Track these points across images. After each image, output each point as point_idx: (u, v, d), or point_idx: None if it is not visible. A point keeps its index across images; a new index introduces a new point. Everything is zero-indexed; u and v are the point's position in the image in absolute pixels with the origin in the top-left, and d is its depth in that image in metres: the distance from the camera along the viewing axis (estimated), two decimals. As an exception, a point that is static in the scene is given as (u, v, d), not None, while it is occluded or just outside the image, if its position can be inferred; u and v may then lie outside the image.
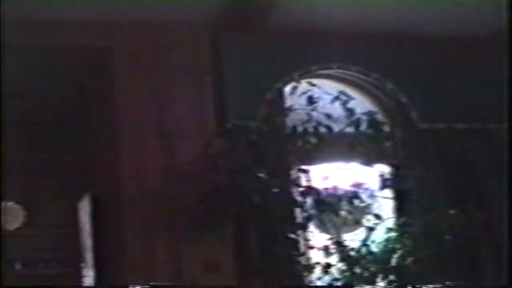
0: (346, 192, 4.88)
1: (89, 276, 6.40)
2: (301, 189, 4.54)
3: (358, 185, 5.11)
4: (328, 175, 4.75)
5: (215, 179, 4.36)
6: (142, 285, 4.44)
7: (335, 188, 4.86)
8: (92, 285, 6.14)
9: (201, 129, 4.93)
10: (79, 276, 6.78)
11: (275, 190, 4.42)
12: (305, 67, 5.39)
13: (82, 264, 6.69)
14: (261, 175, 4.35)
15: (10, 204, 7.34)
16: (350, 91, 5.28)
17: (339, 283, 4.71)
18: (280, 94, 5.12)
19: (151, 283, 4.22)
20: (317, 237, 4.81)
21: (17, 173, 7.27)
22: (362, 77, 5.63)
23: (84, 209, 6.44)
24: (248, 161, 4.47)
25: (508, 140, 3.92)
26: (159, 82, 5.03)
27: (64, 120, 7.19)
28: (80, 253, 6.74)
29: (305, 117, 4.61)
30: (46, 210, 7.47)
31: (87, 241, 6.45)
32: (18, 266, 7.24)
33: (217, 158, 4.51)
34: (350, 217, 4.89)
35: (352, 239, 4.90)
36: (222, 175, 4.39)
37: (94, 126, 5.92)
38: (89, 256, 6.36)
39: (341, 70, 5.60)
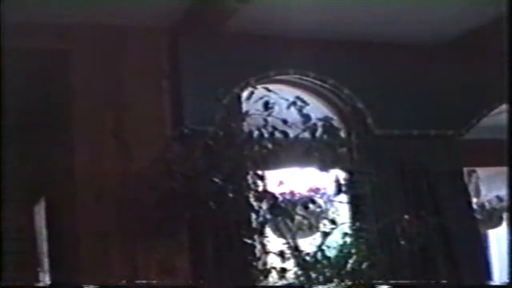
0: (302, 197, 4.90)
1: (44, 281, 6.35)
2: (256, 194, 4.54)
3: (314, 190, 5.14)
4: (283, 180, 4.76)
5: (171, 184, 4.35)
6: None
7: (291, 193, 4.88)
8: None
9: (158, 134, 4.92)
10: (36, 281, 6.72)
11: (231, 195, 4.41)
12: (262, 72, 5.40)
13: (38, 269, 6.63)
14: (217, 180, 4.35)
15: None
16: (306, 96, 5.29)
17: (294, 288, 4.74)
18: (237, 99, 5.13)
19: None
20: (273, 242, 4.82)
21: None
22: (319, 82, 5.66)
23: (40, 213, 6.39)
24: (204, 166, 4.47)
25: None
26: (117, 86, 5.00)
27: (20, 124, 7.12)
28: (37, 258, 6.68)
29: (261, 123, 4.61)
30: (2, 214, 7.38)
31: (43, 246, 6.40)
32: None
33: (173, 163, 4.50)
34: (305, 222, 4.92)
35: (310, 243, 4.93)
36: (178, 180, 4.37)
37: (50, 130, 5.87)
38: (45, 261, 6.32)
39: (297, 76, 5.63)
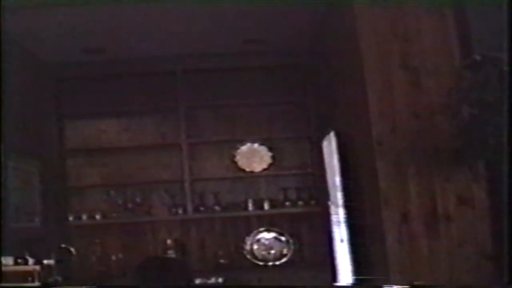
0: None
1: (337, 214, 6.53)
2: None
3: None
4: None
5: (471, 111, 4.26)
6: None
7: None
8: (342, 222, 6.24)
9: (447, 63, 4.83)
10: (327, 215, 6.94)
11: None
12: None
13: (329, 203, 6.83)
14: (518, 106, 4.19)
15: (256, 145, 7.66)
16: None
17: None
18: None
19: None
20: None
21: (260, 116, 7.60)
22: None
23: (328, 147, 6.56)
24: (501, 92, 4.32)
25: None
26: (401, 17, 4.97)
27: (306, 61, 7.39)
28: (326, 191, 6.89)
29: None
30: (291, 150, 7.73)
31: (332, 179, 6.57)
32: (266, 206, 7.55)
33: (468, 91, 4.40)
34: None
35: None
36: (476, 108, 4.27)
37: (337, 66, 5.99)
38: (336, 194, 6.49)
39: None
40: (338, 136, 6.01)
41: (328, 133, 6.46)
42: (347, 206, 5.96)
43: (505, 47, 3.80)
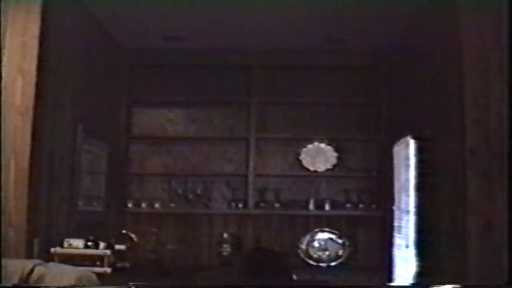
0: None
1: (400, 219, 6.49)
2: None
3: None
4: None
5: None
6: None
7: None
8: (407, 228, 6.19)
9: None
10: (389, 220, 6.90)
11: None
12: None
13: (394, 208, 6.78)
14: None
15: (323, 145, 7.65)
16: None
17: None
18: None
19: None
20: None
21: (330, 116, 7.60)
22: None
23: (400, 152, 6.52)
24: None
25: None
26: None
27: (385, 63, 7.37)
28: (391, 196, 6.84)
29: None
30: (357, 152, 7.71)
31: (400, 185, 6.53)
32: (327, 206, 7.54)
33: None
34: None
35: None
36: None
37: (422, 69, 5.95)
38: (401, 199, 6.45)
39: None
40: (417, 141, 5.97)
41: (402, 137, 6.42)
42: (419, 212, 5.92)
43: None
